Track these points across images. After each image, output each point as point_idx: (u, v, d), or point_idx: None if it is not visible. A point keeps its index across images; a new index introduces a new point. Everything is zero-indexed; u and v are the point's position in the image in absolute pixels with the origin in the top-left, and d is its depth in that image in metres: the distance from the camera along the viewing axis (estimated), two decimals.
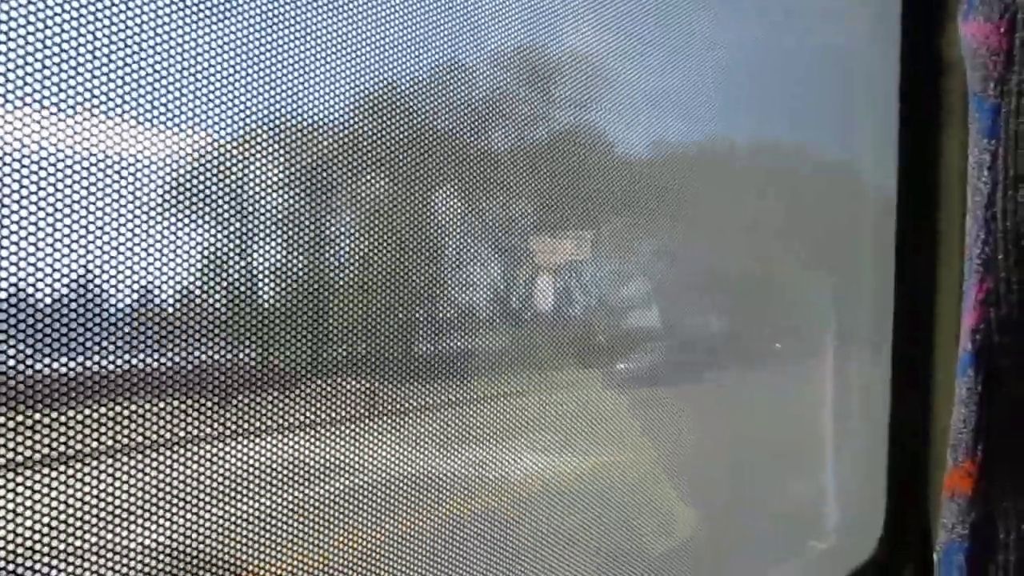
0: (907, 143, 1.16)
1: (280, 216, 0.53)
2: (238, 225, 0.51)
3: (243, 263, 0.51)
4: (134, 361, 0.44)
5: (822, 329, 1.29)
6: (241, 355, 0.50)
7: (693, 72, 0.96)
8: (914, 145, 1.13)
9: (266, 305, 0.52)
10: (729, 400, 1.09)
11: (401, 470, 0.61)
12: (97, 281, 0.42)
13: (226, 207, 0.50)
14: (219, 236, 0.49)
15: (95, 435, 0.42)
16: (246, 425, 0.50)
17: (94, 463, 0.42)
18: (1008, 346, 0.29)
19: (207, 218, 0.48)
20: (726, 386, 1.09)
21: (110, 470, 0.43)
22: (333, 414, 0.56)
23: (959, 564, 0.31)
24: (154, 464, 0.45)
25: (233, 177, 0.50)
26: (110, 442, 0.43)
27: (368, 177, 0.58)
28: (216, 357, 0.49)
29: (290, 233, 0.54)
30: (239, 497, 0.50)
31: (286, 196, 0.53)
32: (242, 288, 0.51)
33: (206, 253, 0.48)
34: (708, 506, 1.03)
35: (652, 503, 0.93)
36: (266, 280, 0.53)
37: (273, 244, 0.53)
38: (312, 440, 0.55)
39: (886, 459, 1.21)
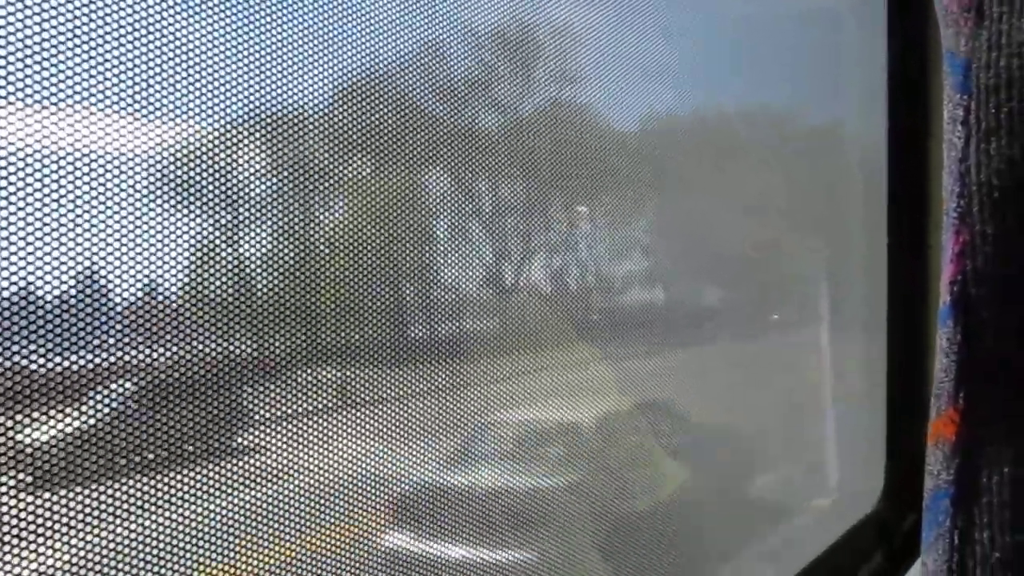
0: (896, 106, 1.17)
1: (267, 203, 0.53)
2: (224, 214, 0.50)
3: (230, 252, 0.51)
4: (126, 355, 0.44)
5: (819, 296, 1.31)
6: (233, 346, 0.50)
7: (682, 41, 0.96)
8: (903, 107, 1.13)
9: (256, 294, 0.52)
10: (733, 369, 1.10)
11: (402, 454, 0.62)
12: (83, 275, 0.42)
13: (211, 196, 0.49)
14: (204, 225, 0.49)
15: (89, 429, 0.42)
16: (241, 417, 0.50)
17: (88, 458, 0.42)
18: (985, 297, 0.30)
19: (190, 208, 0.48)
20: (730, 356, 1.10)
21: (106, 463, 0.43)
22: (326, 403, 0.56)
23: (945, 508, 0.32)
24: (146, 457, 0.46)
25: (217, 166, 0.50)
26: (106, 437, 0.43)
27: (357, 160, 0.58)
28: (209, 348, 0.49)
29: (278, 220, 0.54)
30: (239, 489, 0.51)
31: (272, 183, 0.53)
32: (231, 277, 0.50)
33: (189, 243, 0.47)
34: (716, 470, 1.05)
35: (661, 469, 0.95)
36: (256, 268, 0.53)
37: (260, 232, 0.53)
38: (304, 430, 0.55)
39: (885, 418, 1.23)
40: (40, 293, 0.40)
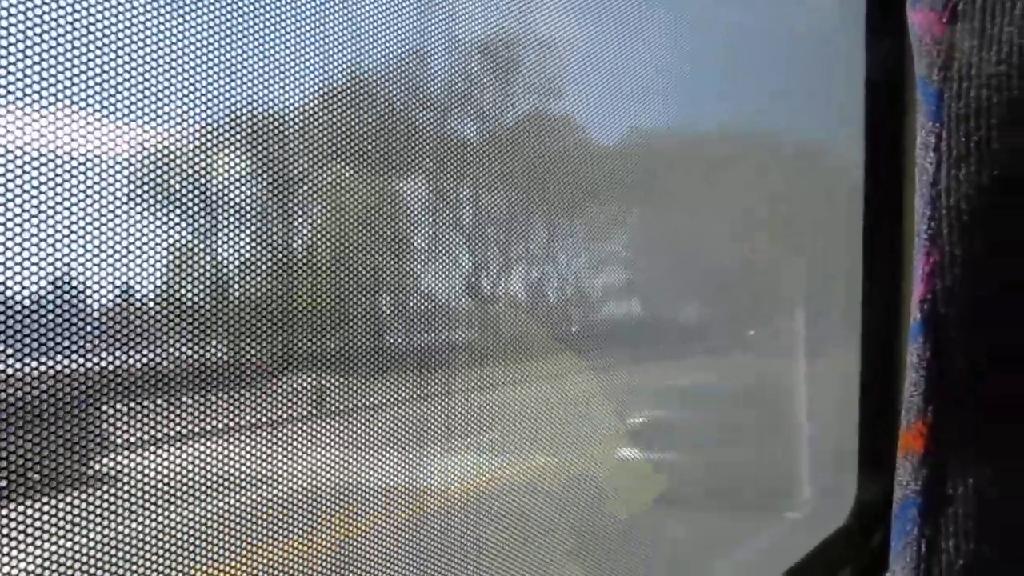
0: (873, 125, 1.19)
1: (248, 209, 0.53)
2: (203, 219, 0.50)
3: (209, 257, 0.50)
4: (108, 358, 0.44)
5: (793, 309, 1.33)
6: (213, 350, 0.50)
7: (663, 56, 0.97)
8: (881, 127, 1.16)
9: (236, 299, 0.52)
10: (706, 382, 1.12)
11: (386, 463, 0.62)
12: (61, 278, 0.42)
13: (190, 200, 0.49)
14: (183, 229, 0.49)
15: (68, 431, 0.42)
16: (224, 422, 0.50)
17: (63, 460, 0.42)
18: (954, 318, 0.32)
19: (168, 212, 0.48)
20: (704, 369, 1.11)
21: (80, 467, 0.43)
22: (306, 410, 0.57)
23: (913, 517, 0.33)
24: (125, 462, 0.45)
25: (196, 170, 0.49)
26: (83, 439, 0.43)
27: (339, 168, 0.58)
28: (188, 353, 0.49)
29: (258, 226, 0.54)
30: (223, 494, 0.51)
31: (253, 189, 0.53)
32: (210, 282, 0.50)
33: (168, 247, 0.47)
34: (688, 482, 1.06)
35: (633, 483, 0.96)
36: (235, 273, 0.52)
37: (241, 238, 0.52)
38: (287, 436, 0.55)
39: (857, 432, 1.25)
40: (15, 295, 0.40)
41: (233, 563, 0.51)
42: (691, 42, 1.03)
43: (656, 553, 0.96)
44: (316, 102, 0.56)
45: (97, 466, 0.44)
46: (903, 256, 1.11)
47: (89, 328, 0.44)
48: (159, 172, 0.48)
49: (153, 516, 0.47)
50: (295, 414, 0.56)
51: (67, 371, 0.42)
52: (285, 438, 0.55)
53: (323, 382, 0.58)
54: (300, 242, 0.58)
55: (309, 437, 0.57)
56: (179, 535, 0.48)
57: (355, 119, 0.58)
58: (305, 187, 0.57)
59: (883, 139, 1.17)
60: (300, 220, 0.57)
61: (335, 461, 0.57)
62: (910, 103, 1.06)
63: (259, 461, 0.53)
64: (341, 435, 0.58)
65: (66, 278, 0.42)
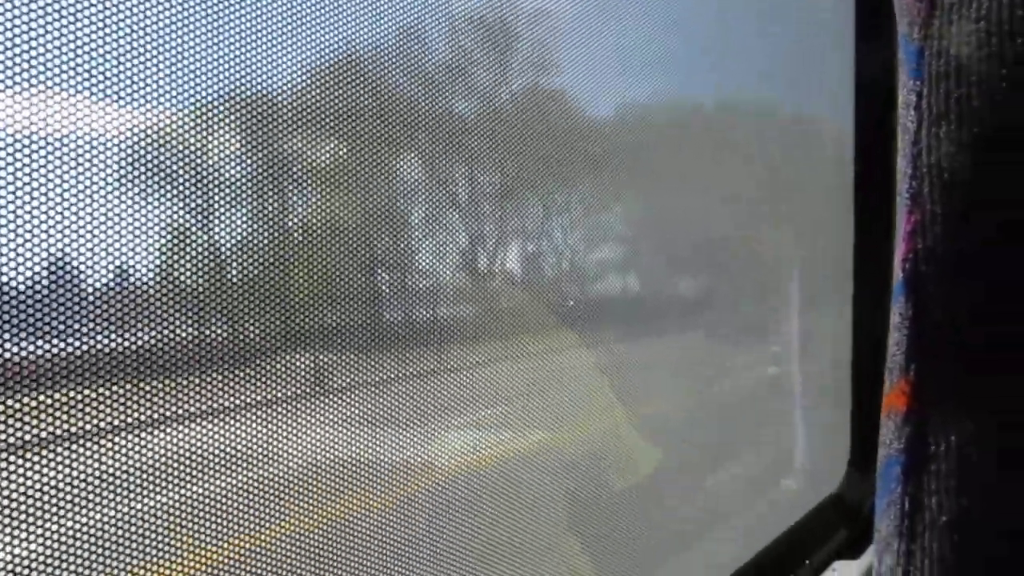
0: (863, 90, 1.19)
1: (241, 190, 0.53)
2: (197, 199, 0.50)
3: (203, 238, 0.50)
4: (107, 339, 0.44)
5: (786, 279, 1.33)
6: (208, 332, 0.50)
7: (655, 28, 0.97)
8: (870, 95, 1.16)
9: (233, 279, 0.52)
10: (703, 352, 1.12)
11: (389, 440, 0.62)
12: (55, 262, 0.42)
13: (183, 181, 0.49)
14: (176, 211, 0.48)
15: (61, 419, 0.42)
16: (221, 403, 0.50)
17: (60, 447, 0.42)
18: (934, 275, 0.32)
19: (161, 194, 0.47)
20: (698, 341, 1.12)
21: (75, 453, 0.43)
22: (305, 388, 0.57)
23: (896, 475, 0.33)
24: (122, 447, 0.45)
25: (189, 151, 0.49)
26: (78, 425, 0.43)
27: (335, 146, 0.58)
28: (183, 335, 0.49)
29: (252, 207, 0.54)
30: (214, 476, 0.51)
31: (245, 169, 0.53)
32: (205, 264, 0.50)
33: (162, 230, 0.47)
34: (681, 451, 1.07)
35: (630, 455, 0.96)
36: (232, 253, 0.52)
37: (237, 218, 0.52)
38: (290, 415, 0.55)
39: (850, 401, 1.26)
40: (10, 281, 0.40)
41: (235, 542, 0.51)
42: (681, 17, 1.03)
43: (648, 523, 0.96)
44: (311, 80, 0.55)
45: (96, 448, 0.44)
46: (892, 219, 1.11)
47: (88, 310, 0.44)
48: (154, 153, 0.47)
49: (151, 496, 0.47)
50: (294, 393, 0.56)
51: (68, 354, 0.42)
52: (284, 417, 0.55)
53: (321, 360, 0.58)
54: (297, 221, 0.57)
55: (308, 416, 0.57)
56: (178, 515, 0.49)
57: (349, 97, 0.58)
58: (302, 165, 0.57)
59: (872, 108, 1.17)
60: (296, 199, 0.57)
61: (334, 439, 0.58)
62: (898, 67, 1.06)
63: (259, 440, 0.53)
64: (340, 413, 0.58)
65: (64, 259, 0.42)
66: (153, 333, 0.47)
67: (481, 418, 0.73)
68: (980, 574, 0.32)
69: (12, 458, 0.40)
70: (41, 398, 0.41)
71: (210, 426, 0.50)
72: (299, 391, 0.57)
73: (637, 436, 0.99)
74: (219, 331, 0.51)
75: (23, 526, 0.40)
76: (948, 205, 0.31)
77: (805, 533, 1.13)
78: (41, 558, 0.41)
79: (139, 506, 0.46)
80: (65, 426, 0.42)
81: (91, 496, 0.43)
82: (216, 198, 0.51)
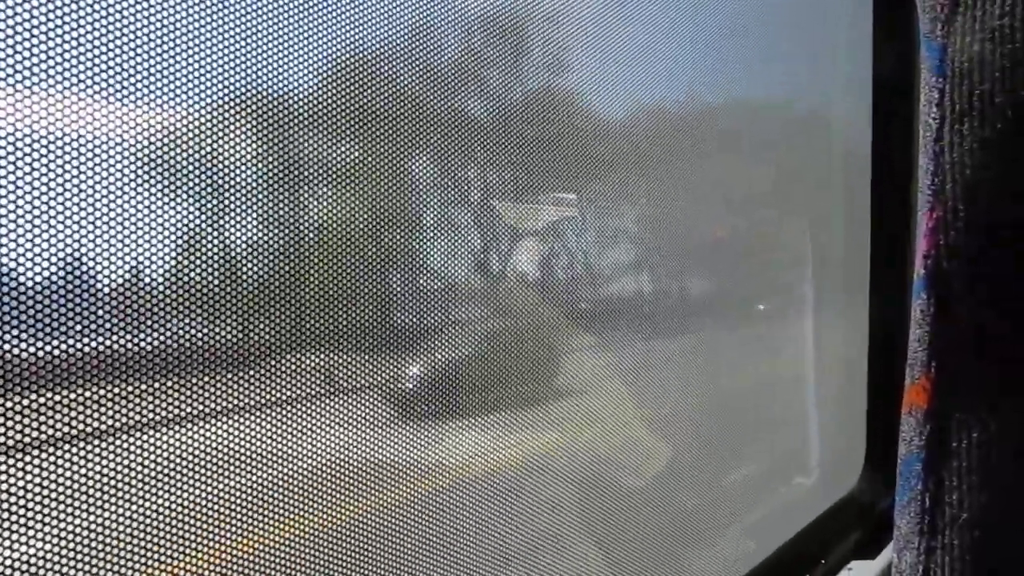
0: (881, 87, 1.18)
1: (254, 189, 0.53)
2: (209, 200, 0.50)
3: (216, 239, 0.50)
4: (118, 340, 0.44)
5: (801, 276, 1.33)
6: (222, 331, 0.50)
7: (672, 25, 0.97)
8: (887, 89, 1.15)
9: (242, 281, 0.51)
10: (718, 350, 1.12)
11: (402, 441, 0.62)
12: (66, 263, 0.42)
13: (195, 182, 0.49)
14: (189, 212, 0.48)
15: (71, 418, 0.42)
16: (233, 402, 0.51)
17: (71, 445, 0.42)
18: (956, 270, 0.32)
19: (179, 194, 0.47)
20: (712, 340, 1.12)
21: (85, 453, 0.43)
22: (317, 389, 0.57)
23: (917, 472, 0.33)
24: (132, 446, 0.45)
25: (201, 151, 0.49)
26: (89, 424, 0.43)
27: (345, 146, 0.58)
28: (197, 334, 0.49)
29: (263, 206, 0.54)
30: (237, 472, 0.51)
31: (256, 169, 0.52)
32: (218, 264, 0.50)
33: (174, 231, 0.47)
34: (699, 450, 1.07)
35: (645, 454, 0.96)
36: (241, 254, 0.52)
37: (246, 218, 0.52)
38: (300, 416, 0.55)
39: (866, 399, 1.25)
40: (22, 280, 0.40)
41: (247, 541, 0.51)
42: (695, 14, 1.02)
43: (663, 522, 0.96)
44: (322, 80, 0.55)
45: (107, 448, 0.44)
46: (910, 215, 1.11)
47: (99, 310, 0.44)
48: (165, 153, 0.47)
49: (160, 496, 0.47)
50: (304, 393, 0.56)
51: (82, 353, 0.43)
52: (295, 417, 0.55)
53: (331, 361, 0.58)
54: (308, 221, 0.57)
55: (318, 416, 0.57)
56: (188, 515, 0.49)
57: (361, 97, 0.57)
58: (313, 166, 0.57)
59: (890, 103, 1.16)
60: (308, 199, 0.57)
61: (344, 439, 0.58)
62: (917, 62, 1.05)
63: (269, 440, 0.53)
64: (350, 413, 0.59)
65: (76, 261, 0.42)
66: (166, 332, 0.47)
67: (500, 419, 0.73)
68: (1002, 571, 0.32)
69: (20, 455, 0.40)
70: (50, 396, 0.41)
71: (226, 425, 0.50)
72: (311, 391, 0.57)
73: (652, 436, 0.99)
74: (230, 330, 0.51)
75: (36, 525, 0.41)
76: (971, 201, 0.31)
77: (821, 532, 1.13)
78: (56, 556, 0.41)
79: (151, 505, 0.47)
80: (75, 424, 0.42)
81: (100, 495, 0.44)
82: (227, 197, 0.51)
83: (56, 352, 0.42)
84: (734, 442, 1.14)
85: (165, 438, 0.47)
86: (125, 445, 0.45)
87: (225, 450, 0.50)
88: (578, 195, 0.90)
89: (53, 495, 0.41)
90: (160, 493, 0.47)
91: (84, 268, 0.43)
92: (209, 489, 0.50)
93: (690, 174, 1.03)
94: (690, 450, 1.05)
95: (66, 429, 0.42)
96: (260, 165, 0.53)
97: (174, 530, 0.48)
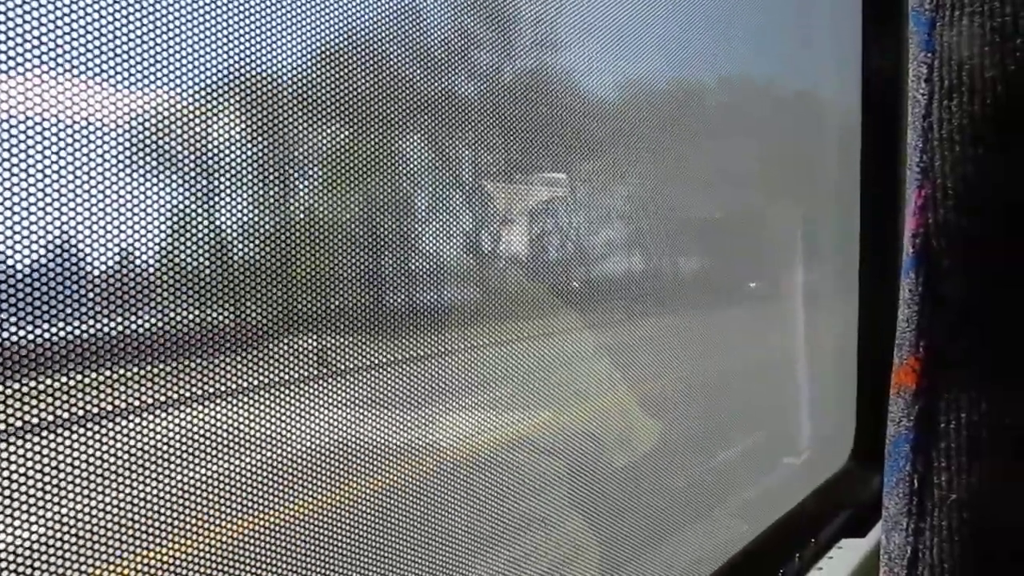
0: (870, 66, 1.18)
1: (243, 174, 0.52)
2: (198, 182, 0.49)
3: (205, 222, 0.50)
4: (110, 323, 0.44)
5: (791, 257, 1.32)
6: (214, 313, 0.50)
7: (660, 6, 0.96)
8: (876, 66, 1.14)
9: (236, 262, 0.51)
10: (707, 331, 1.12)
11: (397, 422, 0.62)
12: (57, 248, 0.41)
13: (184, 165, 0.48)
14: (177, 195, 0.48)
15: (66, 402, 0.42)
16: (229, 385, 0.50)
17: (64, 431, 0.42)
18: (945, 249, 0.31)
19: (170, 175, 0.47)
20: (702, 320, 1.11)
21: (80, 437, 0.43)
22: (307, 371, 0.56)
23: (905, 453, 0.33)
24: (127, 430, 0.45)
25: (189, 133, 0.48)
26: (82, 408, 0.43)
27: (337, 127, 0.57)
28: (190, 316, 0.49)
29: (255, 189, 0.53)
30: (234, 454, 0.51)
31: (247, 153, 0.52)
32: (206, 248, 0.49)
33: (163, 214, 0.46)
34: (689, 430, 1.07)
35: (636, 434, 0.96)
36: (235, 236, 0.51)
37: (237, 203, 0.51)
38: (297, 398, 0.55)
39: (856, 378, 1.26)
40: (13, 266, 0.40)
41: (242, 523, 0.51)
42: None
43: (654, 502, 0.97)
44: (312, 63, 0.55)
45: (100, 431, 0.44)
46: (899, 195, 1.11)
47: (91, 293, 0.43)
48: (155, 134, 0.47)
49: (156, 479, 0.47)
50: (298, 375, 0.56)
51: (73, 337, 0.42)
52: (289, 399, 0.55)
53: (325, 343, 0.58)
54: (299, 205, 0.57)
55: (313, 398, 0.57)
56: (185, 497, 0.49)
57: (350, 79, 0.57)
58: (304, 147, 0.56)
59: (879, 81, 1.16)
60: (298, 182, 0.57)
61: (339, 421, 0.58)
62: (906, 39, 1.05)
63: (264, 423, 0.53)
64: (344, 395, 0.58)
65: (68, 242, 0.42)
66: (159, 317, 0.47)
67: (491, 399, 0.73)
68: (990, 551, 0.32)
69: (19, 442, 0.40)
70: (48, 382, 0.41)
71: (219, 409, 0.50)
72: (302, 374, 0.57)
73: (642, 416, 0.99)
74: (223, 315, 0.51)
75: (32, 510, 0.40)
76: (959, 178, 0.31)
77: (811, 511, 1.13)
78: (54, 540, 0.41)
79: (145, 490, 0.46)
80: (69, 409, 0.42)
81: (94, 481, 0.43)
82: (218, 182, 0.51)
83: (49, 337, 0.41)
84: (724, 422, 1.14)
85: (160, 423, 0.47)
86: (119, 430, 0.45)
87: (218, 434, 0.50)
88: (568, 177, 0.89)
89: (49, 481, 0.41)
90: (155, 478, 0.47)
91: (78, 254, 0.43)
92: (202, 473, 0.50)
93: (676, 155, 1.03)
94: (680, 430, 1.05)
95: (59, 414, 0.42)
96: (249, 148, 0.52)
97: (169, 514, 0.48)
